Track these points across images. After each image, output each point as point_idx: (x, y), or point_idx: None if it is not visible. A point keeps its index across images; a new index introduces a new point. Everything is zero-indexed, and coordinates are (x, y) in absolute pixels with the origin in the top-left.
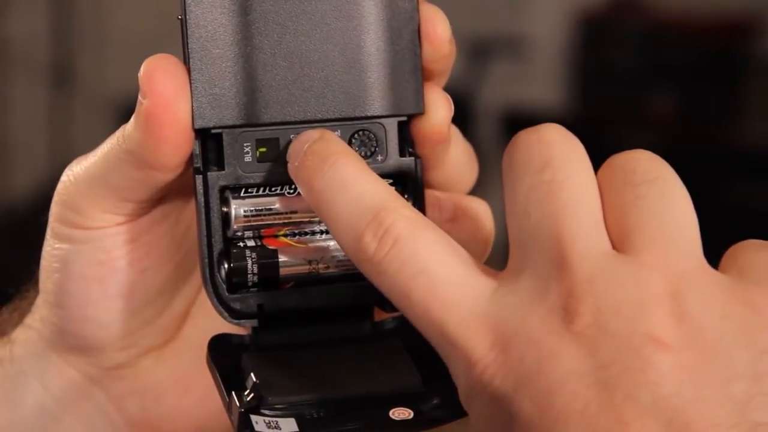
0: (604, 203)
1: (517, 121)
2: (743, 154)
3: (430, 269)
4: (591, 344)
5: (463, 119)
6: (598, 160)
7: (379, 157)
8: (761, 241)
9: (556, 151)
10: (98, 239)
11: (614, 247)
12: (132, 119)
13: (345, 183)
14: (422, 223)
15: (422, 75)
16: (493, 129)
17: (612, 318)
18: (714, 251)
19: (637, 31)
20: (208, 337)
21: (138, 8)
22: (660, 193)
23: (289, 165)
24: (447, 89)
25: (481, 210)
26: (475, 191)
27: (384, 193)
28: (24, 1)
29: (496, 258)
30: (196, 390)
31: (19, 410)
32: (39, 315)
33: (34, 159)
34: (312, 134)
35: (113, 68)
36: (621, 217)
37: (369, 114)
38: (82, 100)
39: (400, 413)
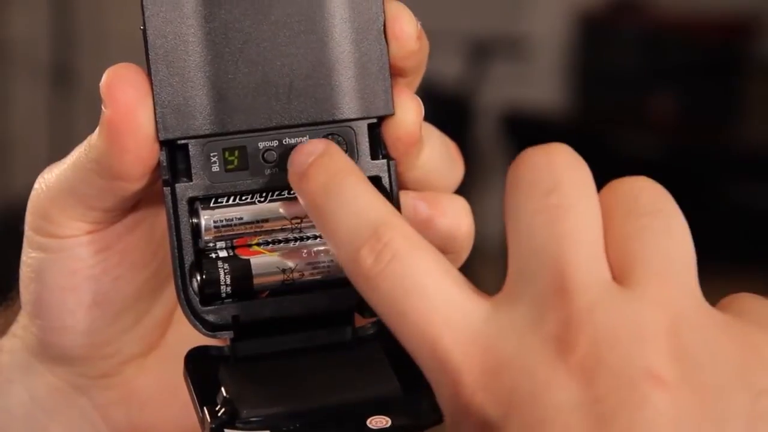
0: (606, 230)
1: (517, 121)
2: (743, 154)
3: (426, 289)
4: (586, 376)
5: (463, 119)
6: (598, 160)
7: None
8: (757, 295)
9: (565, 176)
10: (70, 248)
11: (614, 277)
12: (97, 128)
13: (348, 198)
14: (420, 243)
15: (391, 75)
16: (493, 129)
17: (610, 350)
18: (713, 251)
19: (637, 31)
20: (192, 345)
21: (138, 8)
22: (663, 227)
23: (289, 174)
24: (448, 89)
25: (459, 208)
26: (475, 191)
27: (386, 210)
28: (24, 1)
29: (496, 258)
30: (181, 398)
31: (6, 419)
32: (22, 323)
33: (34, 159)
34: (317, 146)
35: None
36: (622, 248)
37: (337, 118)
38: (82, 100)
39: (378, 421)
